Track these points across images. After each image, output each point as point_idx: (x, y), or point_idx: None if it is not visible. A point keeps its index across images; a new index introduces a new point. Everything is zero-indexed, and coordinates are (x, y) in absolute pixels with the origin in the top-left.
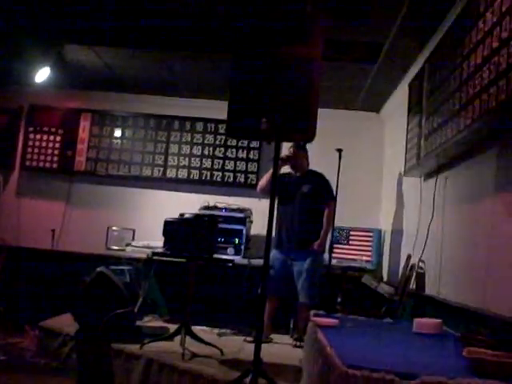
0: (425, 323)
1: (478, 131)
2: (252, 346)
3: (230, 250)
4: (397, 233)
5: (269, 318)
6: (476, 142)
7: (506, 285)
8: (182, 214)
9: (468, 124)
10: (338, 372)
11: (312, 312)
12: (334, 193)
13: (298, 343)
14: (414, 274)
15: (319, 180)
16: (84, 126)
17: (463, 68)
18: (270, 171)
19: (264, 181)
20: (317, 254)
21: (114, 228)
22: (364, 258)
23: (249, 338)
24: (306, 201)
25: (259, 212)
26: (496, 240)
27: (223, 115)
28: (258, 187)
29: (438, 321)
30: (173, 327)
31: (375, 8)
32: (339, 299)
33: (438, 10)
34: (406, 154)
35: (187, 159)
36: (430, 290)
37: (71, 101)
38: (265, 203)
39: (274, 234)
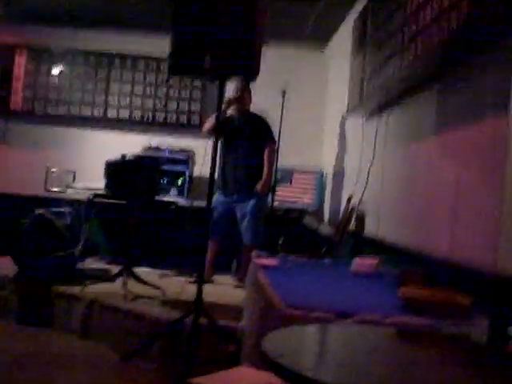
0: (363, 263)
1: (419, 69)
2: (194, 287)
3: (173, 192)
4: (339, 174)
5: (211, 259)
6: (417, 81)
7: (440, 226)
8: (123, 155)
9: (410, 62)
10: (278, 311)
11: (254, 253)
12: (275, 134)
13: (240, 284)
14: (355, 214)
15: (259, 122)
16: (19, 63)
17: (407, 5)
18: (215, 113)
19: (210, 123)
20: (260, 196)
21: (53, 169)
22: (306, 199)
23: (191, 279)
24: (248, 143)
25: (203, 153)
26: (434, 180)
27: (166, 53)
28: (204, 128)
29: (376, 260)
30: (115, 269)
31: None
32: (281, 240)
33: None
34: (348, 93)
35: (128, 99)
36: (369, 230)
37: (4, 36)
38: (209, 144)
39: (217, 176)
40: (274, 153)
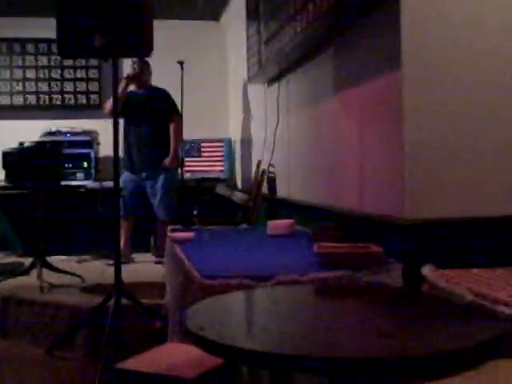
0: (278, 225)
1: (312, 34)
2: (113, 269)
3: (80, 175)
4: (247, 140)
5: (126, 238)
6: (313, 45)
7: (348, 181)
8: (21, 143)
9: (303, 27)
10: (197, 284)
11: (169, 228)
12: (179, 107)
13: (160, 260)
14: (266, 178)
15: (161, 95)
16: None
17: None
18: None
19: (110, 103)
20: (169, 171)
21: None
22: (217, 168)
23: (110, 262)
24: (152, 119)
25: (107, 133)
26: (337, 139)
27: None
28: (105, 109)
29: (290, 221)
30: (28, 261)
31: None
32: (195, 211)
33: None
34: (248, 61)
35: (21, 84)
36: (281, 192)
37: None
38: (111, 123)
39: (122, 154)
40: (180, 126)
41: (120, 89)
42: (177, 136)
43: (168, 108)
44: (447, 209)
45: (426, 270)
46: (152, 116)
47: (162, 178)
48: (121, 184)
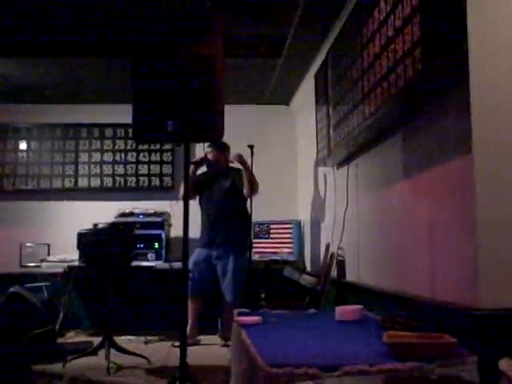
0: (346, 310)
1: (382, 118)
2: (179, 352)
3: (151, 256)
4: (316, 222)
5: (194, 319)
6: (382, 129)
7: (418, 266)
8: (95, 224)
9: (372, 111)
10: (262, 372)
11: (236, 311)
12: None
13: (226, 343)
14: (335, 261)
15: (238, 175)
16: None
17: (363, 57)
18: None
19: (182, 189)
20: (240, 252)
21: (27, 244)
22: (286, 250)
23: (176, 343)
24: (227, 197)
25: (179, 214)
26: (407, 223)
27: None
28: (180, 196)
29: (359, 307)
30: (97, 340)
31: (273, 2)
32: (263, 295)
33: (336, 0)
34: (317, 144)
35: (99, 167)
36: (350, 276)
37: None
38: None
39: (200, 233)
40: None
41: (190, 173)
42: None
43: (242, 183)
44: None
45: (504, 364)
46: (228, 196)
47: (232, 259)
48: (192, 261)
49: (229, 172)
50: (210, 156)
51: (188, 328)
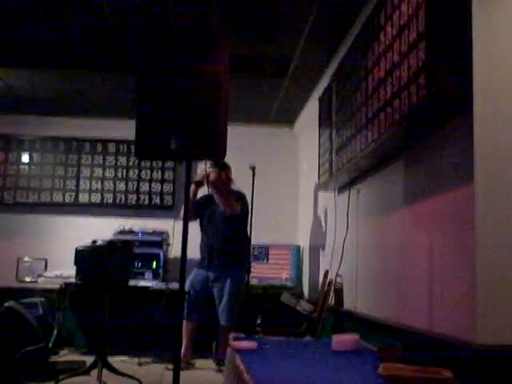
0: (342, 340)
1: (384, 144)
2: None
3: (148, 275)
4: (315, 248)
5: (189, 340)
6: (384, 155)
7: (416, 297)
8: (94, 241)
9: (375, 137)
10: None
11: (231, 336)
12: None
13: (220, 367)
14: (332, 289)
15: (238, 198)
16: None
17: (368, 81)
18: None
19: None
20: (237, 275)
21: (25, 259)
22: (284, 275)
23: (170, 366)
24: (225, 221)
25: (179, 234)
26: (406, 252)
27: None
28: (180, 215)
29: (356, 337)
30: (90, 359)
31: (280, 23)
32: (259, 320)
33: (342, 23)
34: (319, 168)
35: (100, 182)
36: (347, 304)
37: None
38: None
39: (200, 253)
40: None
41: (191, 194)
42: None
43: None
44: None
45: None
46: (226, 220)
47: (229, 283)
48: (189, 281)
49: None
50: (211, 176)
51: (182, 350)
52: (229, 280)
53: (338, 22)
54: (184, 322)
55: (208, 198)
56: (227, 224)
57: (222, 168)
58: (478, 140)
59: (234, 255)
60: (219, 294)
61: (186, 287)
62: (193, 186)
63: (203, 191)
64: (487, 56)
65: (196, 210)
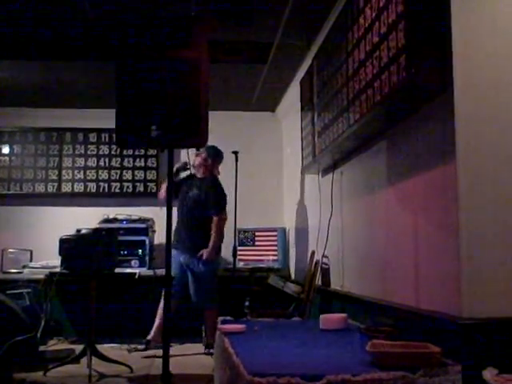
0: (330, 319)
1: (366, 125)
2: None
3: (135, 262)
4: (301, 230)
5: (160, 318)
6: (366, 136)
7: (402, 275)
8: (78, 230)
9: (357, 118)
10: (244, 381)
11: (220, 319)
12: (224, 205)
13: (208, 351)
14: (319, 269)
15: (209, 188)
16: None
17: (348, 63)
18: (166, 181)
19: (163, 191)
20: (208, 263)
21: (10, 250)
22: (271, 257)
23: (140, 346)
24: (194, 206)
25: (163, 221)
26: (391, 231)
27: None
28: (161, 197)
29: (343, 315)
30: (80, 348)
31: (259, 8)
32: (247, 303)
33: (322, 7)
34: (302, 151)
35: (82, 172)
36: (334, 284)
37: None
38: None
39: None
40: (222, 221)
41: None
42: (216, 232)
43: (211, 205)
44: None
45: (488, 374)
46: (194, 205)
47: (201, 268)
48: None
49: (204, 181)
50: (195, 161)
51: (153, 330)
52: (201, 265)
53: (317, 4)
54: (162, 301)
55: (187, 179)
56: (194, 210)
57: (213, 156)
58: (459, 118)
59: (200, 241)
60: (192, 277)
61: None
62: (174, 172)
63: None
64: (466, 36)
65: (175, 191)
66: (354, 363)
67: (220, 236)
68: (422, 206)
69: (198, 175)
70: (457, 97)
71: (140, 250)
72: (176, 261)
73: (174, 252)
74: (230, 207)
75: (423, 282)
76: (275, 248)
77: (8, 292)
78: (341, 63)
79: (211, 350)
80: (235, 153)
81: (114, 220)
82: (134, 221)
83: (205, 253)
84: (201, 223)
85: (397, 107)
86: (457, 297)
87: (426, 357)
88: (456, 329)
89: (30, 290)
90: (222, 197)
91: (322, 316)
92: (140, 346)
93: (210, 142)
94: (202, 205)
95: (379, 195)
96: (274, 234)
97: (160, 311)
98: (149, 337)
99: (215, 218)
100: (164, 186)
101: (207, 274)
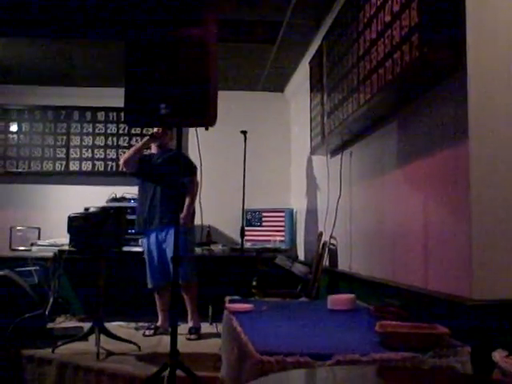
0: (338, 299)
1: (377, 105)
2: (170, 338)
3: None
4: (309, 211)
5: (163, 309)
6: (376, 117)
7: (411, 256)
8: (86, 208)
9: (367, 99)
10: (253, 360)
11: (227, 298)
12: (194, 168)
13: (190, 336)
14: (327, 250)
15: (175, 154)
16: None
17: (359, 43)
18: (136, 145)
19: (127, 154)
20: (185, 231)
21: (18, 228)
22: (278, 238)
23: (148, 332)
24: (168, 180)
25: None
26: (400, 212)
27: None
28: (122, 160)
29: (351, 296)
30: (88, 326)
31: None
32: (254, 282)
33: None
34: (311, 132)
35: (90, 151)
36: (342, 265)
37: None
38: None
39: (136, 219)
40: (195, 185)
41: (140, 144)
42: (190, 193)
43: (184, 170)
44: None
45: (497, 356)
46: (168, 177)
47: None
48: (145, 246)
49: (167, 151)
50: (158, 130)
51: (160, 321)
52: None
53: None
54: (155, 295)
55: (147, 156)
56: (166, 179)
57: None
58: (472, 98)
59: (175, 207)
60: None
61: (145, 253)
62: (147, 138)
63: None
64: (480, 15)
65: (137, 162)
66: (362, 343)
67: (194, 199)
68: (433, 187)
69: (159, 147)
70: (470, 76)
71: None
72: (151, 244)
73: (146, 238)
74: (238, 187)
75: (433, 264)
76: (282, 229)
77: (17, 269)
78: (351, 43)
79: (192, 336)
80: (244, 132)
81: (122, 199)
82: None
83: (181, 216)
84: (172, 193)
85: (408, 87)
86: (467, 278)
87: (435, 338)
88: (466, 310)
89: (38, 268)
90: (191, 162)
91: (330, 296)
92: (148, 332)
93: (217, 122)
94: (170, 173)
95: (389, 176)
96: (282, 214)
97: (158, 304)
98: (158, 323)
99: (189, 183)
100: (129, 152)
101: (185, 244)
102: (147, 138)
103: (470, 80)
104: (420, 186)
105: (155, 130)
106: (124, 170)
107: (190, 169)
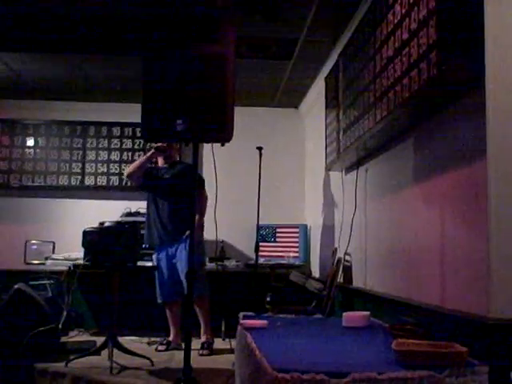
0: (353, 317)
1: (393, 122)
2: (183, 354)
3: None
4: (323, 227)
5: (175, 325)
6: (392, 133)
7: (428, 274)
8: (101, 223)
9: (383, 116)
10: (268, 377)
11: (241, 314)
12: (202, 182)
13: (203, 352)
14: (341, 267)
15: (185, 169)
16: None
17: (376, 60)
18: (140, 158)
19: (131, 168)
20: (196, 245)
21: (32, 241)
22: (291, 254)
23: (160, 347)
24: (170, 192)
25: None
26: (417, 229)
27: (140, 119)
28: (126, 173)
29: (366, 313)
30: (101, 340)
31: (285, 3)
32: (268, 298)
33: (349, 2)
34: (326, 148)
35: (105, 165)
36: (357, 282)
37: None
38: None
39: (145, 233)
40: (205, 199)
41: (145, 157)
42: (201, 208)
43: (193, 180)
44: None
45: None
46: (177, 191)
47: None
48: (155, 260)
49: (175, 164)
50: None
51: (172, 336)
52: (184, 253)
53: (344, 0)
54: (166, 309)
55: (154, 170)
56: (175, 193)
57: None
58: (491, 115)
59: (185, 222)
60: (182, 266)
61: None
62: (152, 151)
63: None
64: (499, 32)
65: (142, 175)
66: (378, 361)
67: (203, 213)
68: (450, 205)
69: (166, 161)
70: (488, 94)
71: None
72: (162, 256)
73: (157, 253)
74: (252, 202)
75: (450, 282)
76: (296, 245)
77: (31, 283)
78: (368, 60)
79: (204, 351)
80: (259, 148)
81: (137, 213)
82: None
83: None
84: (180, 207)
85: (426, 104)
86: (484, 297)
87: (453, 356)
88: (483, 329)
89: (52, 282)
90: (200, 175)
91: (345, 313)
92: (160, 347)
93: (233, 137)
94: (179, 188)
95: (405, 193)
96: (296, 230)
97: (169, 317)
98: (170, 338)
99: (198, 196)
100: (133, 164)
101: (198, 258)
102: (152, 151)
103: (488, 97)
104: (437, 202)
105: (159, 144)
106: (128, 182)
107: (199, 182)
